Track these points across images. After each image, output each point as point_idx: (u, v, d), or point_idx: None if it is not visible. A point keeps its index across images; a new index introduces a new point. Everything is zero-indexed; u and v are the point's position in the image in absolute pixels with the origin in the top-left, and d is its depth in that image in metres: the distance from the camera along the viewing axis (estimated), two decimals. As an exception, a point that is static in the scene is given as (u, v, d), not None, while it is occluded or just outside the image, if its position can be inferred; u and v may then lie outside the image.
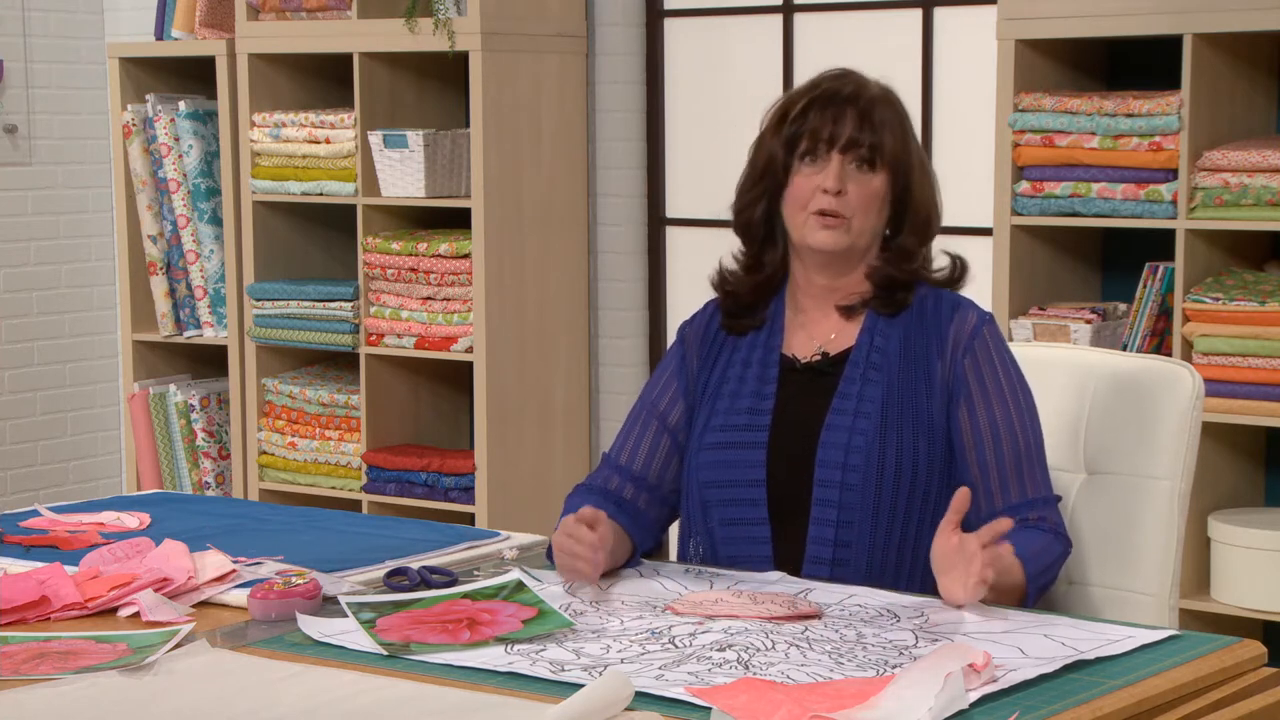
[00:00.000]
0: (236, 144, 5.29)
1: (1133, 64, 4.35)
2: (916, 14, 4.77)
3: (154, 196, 5.47)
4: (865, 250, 2.65)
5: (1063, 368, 2.79)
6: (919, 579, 2.55)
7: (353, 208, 5.11)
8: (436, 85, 5.20)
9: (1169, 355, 3.97)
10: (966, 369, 2.60)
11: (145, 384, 5.55)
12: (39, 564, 2.58)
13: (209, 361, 5.64)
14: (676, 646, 2.17)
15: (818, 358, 2.66)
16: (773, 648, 2.15)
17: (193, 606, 2.42)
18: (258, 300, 5.27)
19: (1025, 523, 2.54)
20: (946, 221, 2.72)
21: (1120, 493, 2.71)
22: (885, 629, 2.24)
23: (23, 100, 5.71)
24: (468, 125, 5.03)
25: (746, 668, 2.07)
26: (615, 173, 5.19)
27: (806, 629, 2.24)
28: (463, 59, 4.93)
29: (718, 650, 2.14)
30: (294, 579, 2.37)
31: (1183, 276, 4.03)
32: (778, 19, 5.00)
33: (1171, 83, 4.08)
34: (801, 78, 4.85)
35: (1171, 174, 4.04)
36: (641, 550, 2.61)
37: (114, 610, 2.40)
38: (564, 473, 5.08)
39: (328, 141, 5.10)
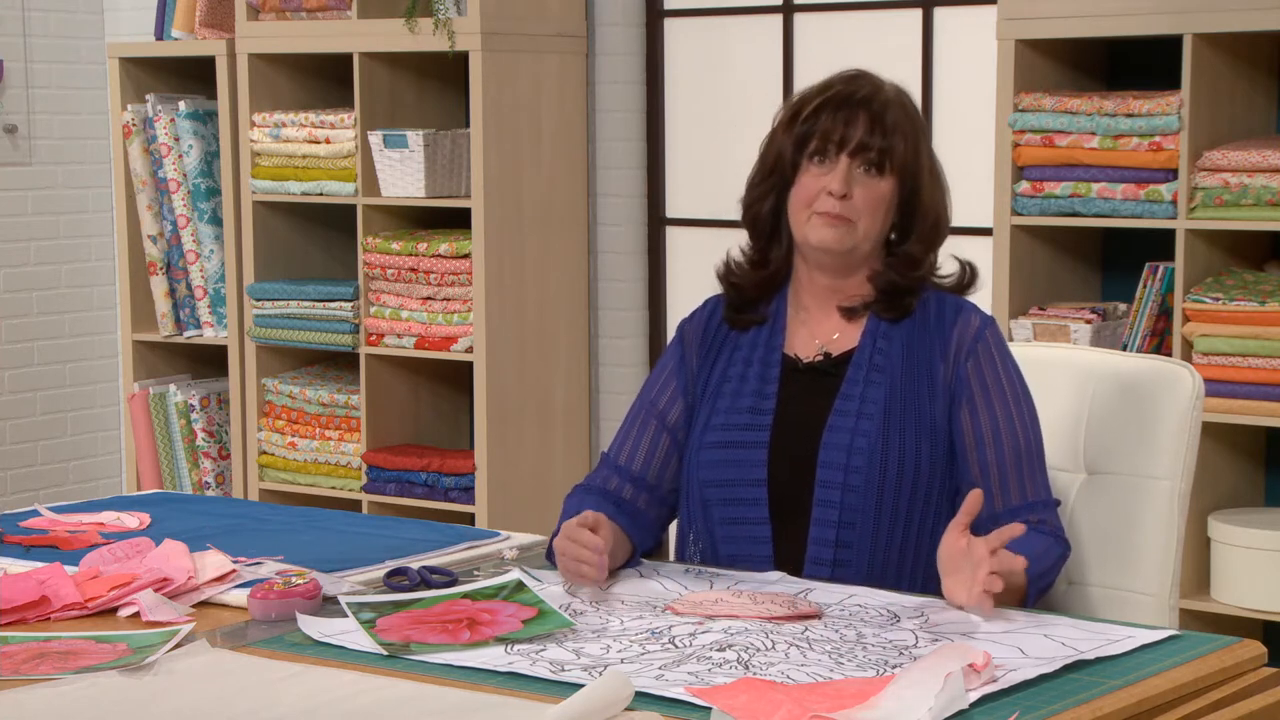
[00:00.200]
0: (236, 144, 5.29)
1: (1133, 64, 4.35)
2: (916, 14, 4.77)
3: (154, 196, 5.47)
4: (868, 253, 2.65)
5: (1063, 368, 2.78)
6: (919, 580, 2.55)
7: (353, 208, 5.11)
8: (436, 85, 5.20)
9: (1169, 355, 3.97)
10: (969, 372, 2.60)
11: (145, 384, 5.54)
12: (39, 564, 2.57)
13: (209, 361, 5.64)
14: (676, 646, 2.16)
15: (820, 358, 2.66)
16: (773, 648, 2.15)
17: (193, 606, 2.42)
18: (258, 300, 5.27)
19: (1025, 524, 2.53)
20: (947, 222, 2.72)
21: (1120, 493, 2.70)
22: (885, 629, 2.24)
23: (23, 100, 5.71)
24: (468, 125, 5.03)
25: (746, 668, 2.07)
26: (615, 173, 5.19)
27: (806, 629, 2.24)
28: (463, 59, 4.93)
29: (718, 650, 2.14)
30: (294, 579, 2.37)
31: (1183, 276, 4.02)
32: (778, 19, 5.00)
33: (1171, 83, 4.08)
34: (801, 78, 4.91)
35: (1171, 174, 4.04)
36: (641, 550, 2.61)
37: (114, 610, 2.40)
38: (564, 473, 5.08)
39: (328, 141, 5.10)
